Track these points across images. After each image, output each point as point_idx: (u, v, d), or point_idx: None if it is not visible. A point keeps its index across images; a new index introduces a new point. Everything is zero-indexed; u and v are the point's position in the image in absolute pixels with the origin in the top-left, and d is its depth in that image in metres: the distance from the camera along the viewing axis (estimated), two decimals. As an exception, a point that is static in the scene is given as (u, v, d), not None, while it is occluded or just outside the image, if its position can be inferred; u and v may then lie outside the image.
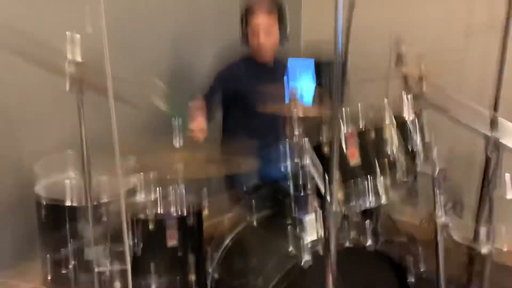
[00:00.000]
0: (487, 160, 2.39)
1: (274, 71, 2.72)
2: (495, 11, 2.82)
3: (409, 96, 1.97)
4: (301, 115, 1.96)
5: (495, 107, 2.37)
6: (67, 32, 1.75)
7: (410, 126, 2.16)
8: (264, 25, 2.49)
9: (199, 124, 2.34)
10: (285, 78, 2.89)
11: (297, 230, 1.92)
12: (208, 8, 3.21)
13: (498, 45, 2.34)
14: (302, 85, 3.10)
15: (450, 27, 3.09)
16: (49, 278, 2.17)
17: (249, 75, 2.62)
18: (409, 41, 2.18)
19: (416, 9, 3.24)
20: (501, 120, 1.79)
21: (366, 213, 3.49)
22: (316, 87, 2.45)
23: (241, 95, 2.60)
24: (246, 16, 2.52)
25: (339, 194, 1.90)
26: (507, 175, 1.79)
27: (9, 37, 1.98)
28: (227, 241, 2.08)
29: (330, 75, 1.30)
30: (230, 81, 2.57)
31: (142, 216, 1.85)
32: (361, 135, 1.98)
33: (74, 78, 1.72)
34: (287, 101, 2.72)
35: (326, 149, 1.93)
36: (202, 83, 2.69)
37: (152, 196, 2.18)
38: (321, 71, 3.61)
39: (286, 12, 2.55)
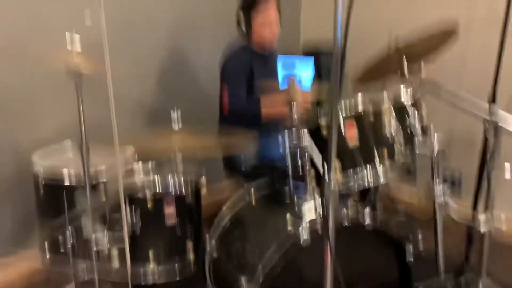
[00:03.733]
0: (486, 141, 2.39)
1: (270, 59, 2.78)
2: (494, 7, 2.82)
3: (407, 80, 1.96)
4: (300, 99, 1.96)
5: (494, 97, 2.38)
6: (66, 33, 1.76)
7: (409, 109, 2.16)
8: (273, 16, 2.52)
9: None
10: (279, 65, 2.91)
11: (296, 209, 1.92)
12: (207, 2, 3.21)
13: (497, 41, 2.33)
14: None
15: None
16: (47, 257, 2.17)
17: (249, 63, 2.62)
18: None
19: (415, 7, 3.23)
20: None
21: (365, 193, 3.52)
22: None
23: (257, 74, 2.61)
24: (252, 7, 2.51)
25: (337, 175, 1.90)
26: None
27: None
28: (225, 221, 2.08)
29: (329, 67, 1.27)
30: (248, 63, 2.59)
31: (140, 195, 1.84)
32: (360, 118, 1.98)
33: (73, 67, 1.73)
34: (284, 86, 2.74)
35: (325, 132, 1.93)
36: (203, 79, 2.73)
37: (151, 176, 2.19)
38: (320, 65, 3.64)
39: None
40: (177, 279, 1.95)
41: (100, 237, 1.88)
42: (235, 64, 2.57)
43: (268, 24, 2.52)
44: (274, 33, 2.56)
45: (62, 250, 2.06)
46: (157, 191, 1.88)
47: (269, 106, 2.44)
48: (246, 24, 2.54)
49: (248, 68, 2.57)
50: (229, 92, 2.52)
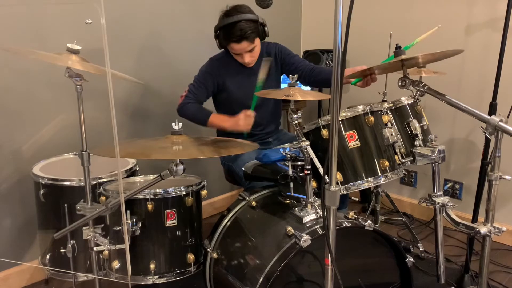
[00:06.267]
0: (487, 142, 2.39)
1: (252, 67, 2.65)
2: (494, 10, 2.82)
3: (407, 81, 1.95)
4: (299, 98, 1.95)
5: (494, 96, 2.38)
6: (68, 44, 1.77)
7: (409, 110, 2.16)
8: (247, 49, 2.44)
9: (237, 119, 2.39)
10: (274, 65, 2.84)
11: (296, 210, 1.92)
12: (207, 6, 3.21)
13: (497, 43, 2.36)
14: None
15: (450, 27, 3.08)
16: (47, 257, 2.17)
17: (238, 67, 2.59)
18: (409, 41, 2.19)
19: (416, 9, 3.23)
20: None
21: (365, 194, 3.52)
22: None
23: (233, 87, 2.59)
24: (226, 39, 2.42)
25: (338, 175, 1.90)
26: None
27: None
28: (225, 221, 2.08)
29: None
30: (220, 75, 2.56)
31: (140, 195, 1.84)
32: (361, 118, 1.98)
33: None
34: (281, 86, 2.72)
35: (325, 132, 1.93)
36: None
37: (151, 176, 2.19)
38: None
39: (264, 23, 2.45)
40: (177, 279, 1.94)
41: (100, 238, 1.88)
42: (208, 71, 2.56)
43: (240, 55, 2.48)
44: (246, 63, 2.50)
45: (62, 251, 2.07)
46: (158, 191, 1.87)
47: (215, 123, 2.50)
48: (223, 44, 2.48)
49: (221, 78, 2.57)
50: (188, 90, 2.54)
